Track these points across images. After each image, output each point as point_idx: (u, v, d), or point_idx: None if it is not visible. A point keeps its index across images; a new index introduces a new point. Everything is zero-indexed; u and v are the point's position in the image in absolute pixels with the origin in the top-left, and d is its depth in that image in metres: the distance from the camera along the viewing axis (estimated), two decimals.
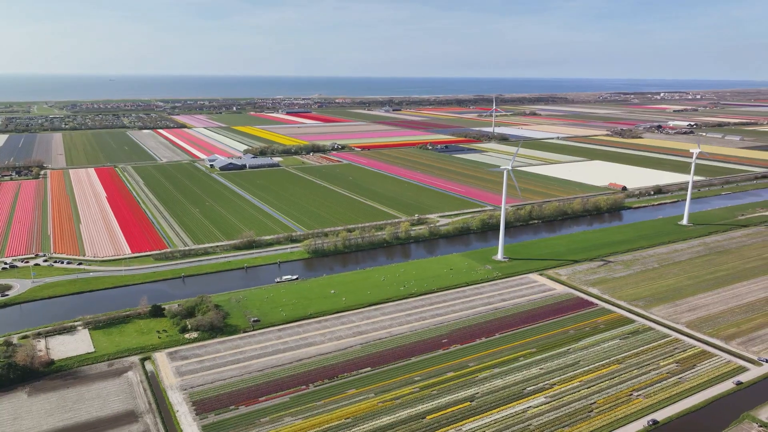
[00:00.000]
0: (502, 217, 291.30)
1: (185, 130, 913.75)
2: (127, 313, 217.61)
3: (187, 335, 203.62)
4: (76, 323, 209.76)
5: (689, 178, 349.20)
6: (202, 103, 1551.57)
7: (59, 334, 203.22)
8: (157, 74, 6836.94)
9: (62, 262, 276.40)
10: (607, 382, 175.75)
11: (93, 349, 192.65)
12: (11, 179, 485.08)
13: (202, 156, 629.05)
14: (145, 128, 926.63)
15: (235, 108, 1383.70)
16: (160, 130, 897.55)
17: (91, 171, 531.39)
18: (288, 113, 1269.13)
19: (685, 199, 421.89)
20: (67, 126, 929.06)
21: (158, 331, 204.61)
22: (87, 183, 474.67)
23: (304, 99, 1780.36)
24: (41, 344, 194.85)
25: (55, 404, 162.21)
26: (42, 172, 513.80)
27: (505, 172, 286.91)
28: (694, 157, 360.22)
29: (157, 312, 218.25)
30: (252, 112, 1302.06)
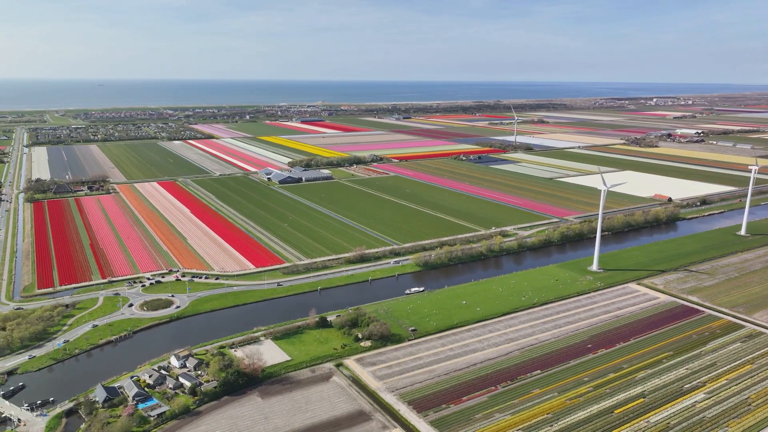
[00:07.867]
0: (598, 231, 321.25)
1: (214, 140, 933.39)
2: (299, 323, 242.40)
3: (362, 344, 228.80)
4: (257, 334, 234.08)
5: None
6: (212, 111, 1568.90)
7: (248, 344, 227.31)
8: (141, 78, 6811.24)
9: (201, 277, 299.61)
10: (750, 380, 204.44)
11: (288, 357, 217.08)
12: (85, 194, 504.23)
13: (251, 168, 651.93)
14: (174, 139, 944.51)
15: (247, 116, 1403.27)
16: (191, 141, 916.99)
17: (156, 185, 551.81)
18: (302, 122, 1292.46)
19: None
20: (97, 137, 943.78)
21: (343, 343, 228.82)
22: (161, 197, 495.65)
23: (309, 106, 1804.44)
24: (239, 353, 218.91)
25: (290, 406, 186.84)
26: (110, 187, 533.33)
27: (602, 192, 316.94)
28: (754, 172, 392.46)
29: (323, 323, 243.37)
30: (267, 121, 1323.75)
